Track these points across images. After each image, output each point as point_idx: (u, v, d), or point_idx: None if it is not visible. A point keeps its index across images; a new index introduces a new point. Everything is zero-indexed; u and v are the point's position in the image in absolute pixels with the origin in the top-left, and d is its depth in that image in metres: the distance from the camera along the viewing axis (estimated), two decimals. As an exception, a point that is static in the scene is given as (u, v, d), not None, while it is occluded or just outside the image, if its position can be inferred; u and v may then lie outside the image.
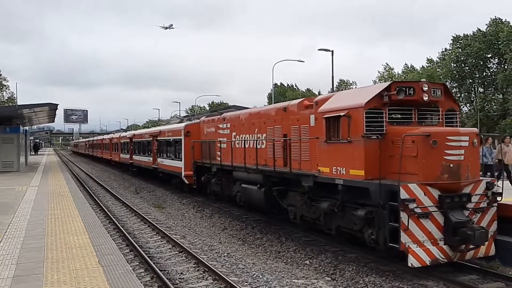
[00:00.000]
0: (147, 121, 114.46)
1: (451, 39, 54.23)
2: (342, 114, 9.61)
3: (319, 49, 41.66)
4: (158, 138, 26.29)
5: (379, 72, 63.29)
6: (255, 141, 14.65)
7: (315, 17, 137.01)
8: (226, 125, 17.51)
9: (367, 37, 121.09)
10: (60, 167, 41.70)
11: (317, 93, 77.35)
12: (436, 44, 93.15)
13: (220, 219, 16.64)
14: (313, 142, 11.40)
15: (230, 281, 8.54)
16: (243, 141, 15.53)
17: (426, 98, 9.45)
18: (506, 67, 49.46)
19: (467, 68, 50.16)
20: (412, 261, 8.35)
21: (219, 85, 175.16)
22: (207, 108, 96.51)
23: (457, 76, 55.75)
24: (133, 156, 34.15)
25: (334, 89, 48.13)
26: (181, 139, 21.89)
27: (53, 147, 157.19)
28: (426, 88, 9.44)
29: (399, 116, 9.54)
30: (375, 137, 9.18)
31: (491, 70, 54.42)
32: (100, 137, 59.59)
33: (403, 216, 8.34)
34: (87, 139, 78.23)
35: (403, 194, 8.34)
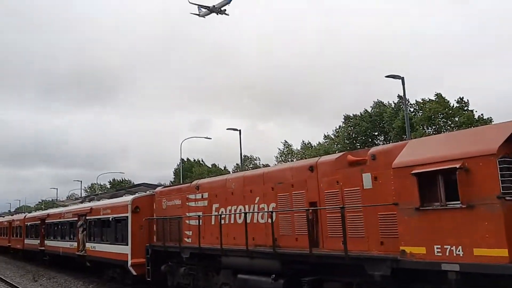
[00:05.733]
0: (39, 202, 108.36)
1: (343, 118, 58.34)
2: (457, 166, 6.56)
3: (227, 129, 42.57)
4: (89, 218, 20.95)
5: (279, 148, 66.95)
6: (257, 214, 11.03)
7: (199, 94, 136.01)
8: (201, 196, 13.55)
9: (253, 114, 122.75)
10: None
11: (222, 168, 76.53)
12: (319, 121, 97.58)
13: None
14: (372, 211, 8.24)
15: None
16: (234, 215, 11.77)
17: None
18: (390, 143, 52.55)
19: (358, 144, 53.29)
20: None
21: (116, 162, 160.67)
22: (109, 187, 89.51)
23: (351, 152, 57.62)
24: (46, 242, 27.71)
25: (241, 166, 47.63)
26: (127, 216, 17.11)
27: None
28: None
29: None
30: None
31: (379, 146, 57.91)
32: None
33: None
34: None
35: None
